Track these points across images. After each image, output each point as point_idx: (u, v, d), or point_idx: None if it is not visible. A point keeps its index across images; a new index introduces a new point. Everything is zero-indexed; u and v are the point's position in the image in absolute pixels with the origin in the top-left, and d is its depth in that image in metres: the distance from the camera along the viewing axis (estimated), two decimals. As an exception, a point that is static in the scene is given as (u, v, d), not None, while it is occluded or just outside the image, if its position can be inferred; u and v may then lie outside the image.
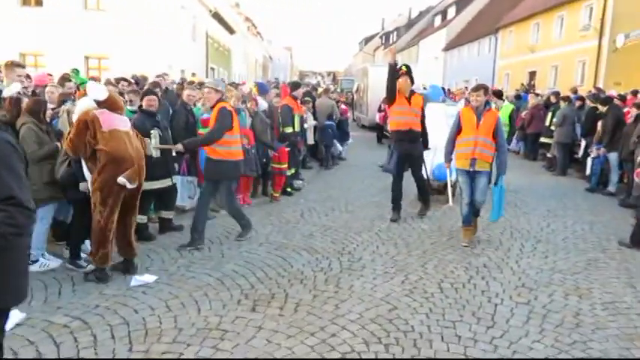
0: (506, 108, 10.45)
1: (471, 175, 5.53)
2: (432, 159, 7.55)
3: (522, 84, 22.30)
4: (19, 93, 4.95)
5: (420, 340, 3.45)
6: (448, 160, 5.82)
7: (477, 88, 5.62)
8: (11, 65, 5.65)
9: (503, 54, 30.17)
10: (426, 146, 6.79)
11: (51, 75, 8.54)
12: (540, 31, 25.67)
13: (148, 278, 4.40)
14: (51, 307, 3.84)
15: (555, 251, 5.50)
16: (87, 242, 5.08)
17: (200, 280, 4.41)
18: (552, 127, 11.31)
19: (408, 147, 6.52)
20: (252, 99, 7.82)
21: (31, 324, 3.53)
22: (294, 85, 9.18)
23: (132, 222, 4.64)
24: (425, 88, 11.12)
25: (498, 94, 11.07)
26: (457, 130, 5.64)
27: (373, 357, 3.22)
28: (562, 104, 11.31)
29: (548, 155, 11.87)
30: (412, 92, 6.57)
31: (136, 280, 4.35)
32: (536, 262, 5.13)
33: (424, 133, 6.68)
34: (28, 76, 6.19)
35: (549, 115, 11.74)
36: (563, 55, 22.92)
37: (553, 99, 12.37)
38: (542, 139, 12.23)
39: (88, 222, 4.90)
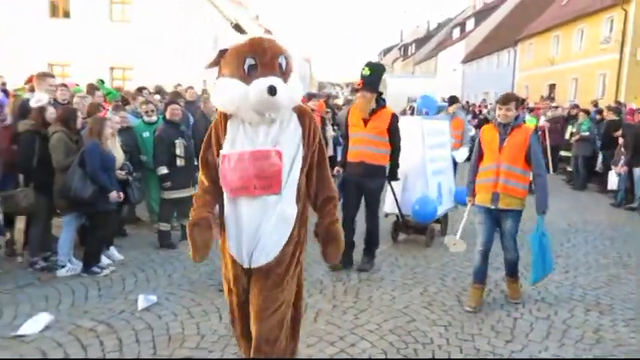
0: (529, 122, 9.43)
1: (495, 216, 4.20)
2: (403, 191, 5.85)
3: (542, 96, 22.14)
4: (49, 103, 5.15)
5: (439, 352, 3.47)
6: (470, 192, 4.40)
7: (506, 100, 4.11)
8: (43, 76, 5.88)
9: (523, 66, 30.01)
10: (392, 177, 5.17)
11: (78, 84, 8.80)
12: (560, 44, 25.49)
13: (152, 298, 4.15)
14: (78, 310, 3.96)
15: (576, 266, 5.46)
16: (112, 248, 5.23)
17: (223, 288, 4.49)
18: (572, 141, 11.23)
19: (360, 180, 4.93)
20: None
21: (60, 327, 3.65)
22: (309, 97, 9.29)
23: None
24: (444, 100, 10.67)
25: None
26: (479, 155, 4.34)
27: (392, 368, 3.25)
28: (581, 117, 11.22)
29: (568, 169, 11.76)
30: (377, 108, 4.84)
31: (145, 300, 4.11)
32: (557, 276, 5.09)
33: (394, 162, 5.02)
34: (64, 85, 6.38)
35: (569, 128, 11.66)
36: (583, 67, 22.72)
37: (573, 112, 12.28)
38: (562, 153, 12.13)
39: (110, 232, 5.03)
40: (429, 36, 57.69)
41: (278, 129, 2.42)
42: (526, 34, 29.17)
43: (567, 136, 11.69)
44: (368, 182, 4.91)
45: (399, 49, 66.92)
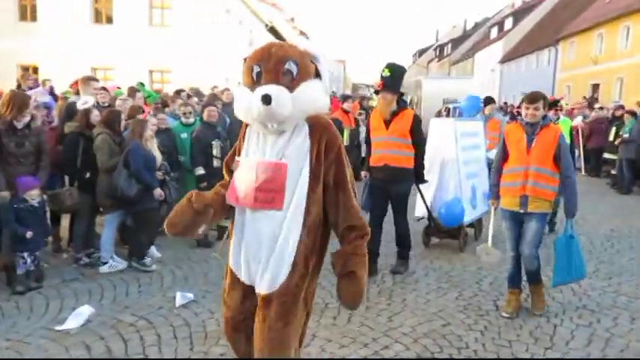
0: (564, 123, 7.47)
1: (520, 219, 4.03)
2: (436, 194, 5.82)
3: (584, 97, 21.41)
4: (93, 105, 5.35)
5: (475, 358, 3.41)
6: (494, 196, 4.27)
7: (533, 99, 3.92)
8: (87, 80, 6.11)
9: (564, 66, 29.09)
10: (419, 180, 5.11)
11: (119, 88, 9.10)
12: (604, 42, 24.59)
13: (189, 296, 4.23)
14: (119, 305, 4.09)
15: (620, 272, 5.25)
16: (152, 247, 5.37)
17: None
18: (617, 143, 10.82)
19: (385, 186, 4.85)
20: None
21: (102, 320, 3.78)
22: (344, 98, 9.29)
23: None
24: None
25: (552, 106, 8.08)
26: (503, 155, 4.15)
27: (426, 371, 3.22)
28: (627, 119, 10.79)
29: (613, 172, 11.33)
30: (399, 110, 4.75)
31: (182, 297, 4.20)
32: (599, 283, 4.92)
33: (419, 164, 4.95)
34: (104, 89, 6.61)
35: (613, 130, 11.24)
36: (629, 66, 21.83)
37: (617, 113, 11.83)
38: (606, 155, 11.70)
39: (155, 229, 5.19)
40: (465, 36, 56.67)
41: (287, 140, 2.27)
42: (568, 33, 28.27)
43: (611, 137, 11.27)
44: (394, 186, 4.81)
45: (435, 49, 66.00)
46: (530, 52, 34.03)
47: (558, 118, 6.58)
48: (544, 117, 3.96)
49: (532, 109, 3.91)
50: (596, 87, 25.00)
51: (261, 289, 2.32)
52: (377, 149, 4.87)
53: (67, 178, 5.32)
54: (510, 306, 4.10)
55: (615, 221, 7.66)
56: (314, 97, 2.26)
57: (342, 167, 2.33)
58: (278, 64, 2.19)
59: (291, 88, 2.19)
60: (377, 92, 4.87)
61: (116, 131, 5.02)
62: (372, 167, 4.91)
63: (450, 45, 57.59)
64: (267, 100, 2.10)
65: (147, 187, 4.82)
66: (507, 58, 38.19)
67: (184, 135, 6.27)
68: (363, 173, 5.10)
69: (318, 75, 2.33)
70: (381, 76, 4.71)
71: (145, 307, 4.07)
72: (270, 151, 2.28)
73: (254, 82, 2.24)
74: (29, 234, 4.27)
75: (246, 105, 2.21)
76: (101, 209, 5.21)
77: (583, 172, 12.53)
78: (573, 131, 10.97)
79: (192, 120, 6.44)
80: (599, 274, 5.22)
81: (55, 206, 4.97)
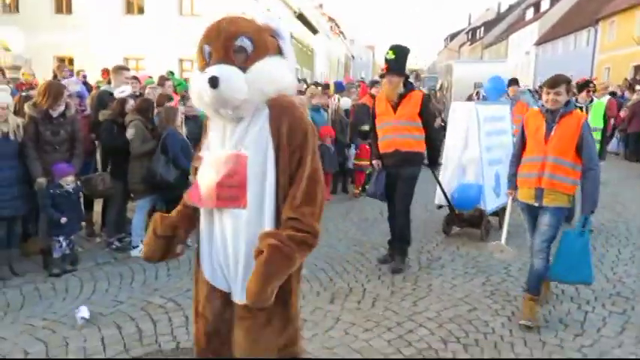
0: (598, 106, 6.27)
1: (535, 213, 3.73)
2: (454, 176, 5.65)
3: (626, 79, 20.53)
4: (130, 95, 5.47)
5: (501, 343, 3.36)
6: (511, 185, 3.98)
7: (555, 83, 3.56)
8: (119, 69, 6.24)
9: (604, 47, 27.92)
10: (433, 164, 4.99)
11: (151, 77, 9.28)
12: (648, 21, 23.45)
13: None
14: (149, 288, 4.21)
15: (658, 260, 5.06)
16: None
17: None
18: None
19: (397, 171, 4.64)
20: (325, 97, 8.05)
21: (132, 303, 3.90)
22: (372, 84, 9.20)
23: None
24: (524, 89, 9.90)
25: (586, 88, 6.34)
26: (522, 144, 3.85)
27: (451, 357, 3.19)
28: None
29: (654, 156, 10.87)
30: (406, 92, 4.57)
31: None
32: (635, 270, 4.75)
33: (431, 147, 4.82)
34: (135, 78, 6.75)
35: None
36: (674, 46, 20.78)
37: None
38: (646, 139, 11.23)
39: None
40: (499, 18, 55.03)
41: (245, 128, 1.96)
42: (608, 12, 27.09)
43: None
44: (401, 170, 4.60)
45: (467, 33, 64.40)
46: (567, 33, 32.81)
47: (592, 101, 6.14)
48: (567, 103, 3.59)
49: (553, 94, 3.54)
50: (637, 68, 23.93)
51: (236, 296, 2.04)
52: (386, 134, 4.65)
53: (100, 164, 5.48)
54: (530, 311, 3.62)
55: (655, 207, 7.36)
56: (274, 76, 1.96)
57: (305, 156, 1.94)
58: (228, 41, 1.89)
59: (244, 67, 1.90)
60: (382, 76, 4.63)
61: (148, 118, 5.13)
62: (383, 154, 4.71)
63: (482, 28, 56.12)
64: (214, 82, 1.83)
65: (184, 172, 4.92)
66: (543, 40, 36.92)
67: (211, 122, 6.34)
68: (374, 162, 4.89)
69: (281, 53, 2.04)
70: (386, 59, 4.55)
71: (174, 289, 4.17)
72: (229, 141, 1.99)
73: (206, 64, 1.94)
74: (64, 219, 4.43)
75: (197, 90, 1.94)
76: (132, 195, 5.35)
77: (623, 157, 12.13)
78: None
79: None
80: (635, 260, 5.04)
81: (88, 191, 5.13)
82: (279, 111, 1.95)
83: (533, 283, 3.66)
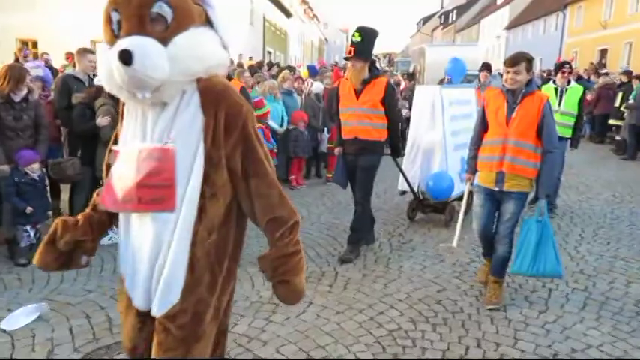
0: (575, 90, 6.02)
1: (497, 198, 3.61)
2: (422, 166, 5.57)
3: (591, 63, 21.03)
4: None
5: (469, 322, 3.45)
6: (470, 169, 3.84)
7: (515, 61, 3.41)
8: (83, 52, 6.03)
9: (572, 31, 28.47)
10: (395, 153, 4.80)
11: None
12: (613, 6, 23.97)
13: None
14: (119, 276, 4.15)
15: (619, 238, 5.26)
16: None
17: (254, 257, 4.56)
18: (623, 109, 10.67)
19: (354, 159, 4.51)
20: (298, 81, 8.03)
21: (102, 291, 3.85)
22: (344, 68, 9.19)
23: None
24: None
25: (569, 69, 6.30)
26: (482, 126, 3.71)
27: (420, 336, 3.27)
28: (635, 84, 10.61)
29: (617, 138, 11.22)
30: (371, 78, 4.35)
31: None
32: (597, 248, 4.93)
33: (394, 136, 4.60)
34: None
35: (619, 95, 11.07)
36: (638, 31, 21.32)
37: (624, 78, 11.63)
38: (612, 121, 11.57)
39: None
40: (471, 2, 55.39)
41: (172, 116, 1.64)
42: (576, -3, 27.57)
43: (617, 103, 11.12)
44: (360, 159, 4.44)
45: (439, 16, 64.70)
46: (537, 17, 33.29)
47: (569, 82, 6.06)
48: (528, 83, 3.45)
49: (512, 72, 3.39)
50: (604, 52, 24.52)
51: (156, 311, 1.75)
52: (347, 121, 4.48)
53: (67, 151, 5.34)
54: (483, 273, 3.94)
55: (617, 187, 7.62)
56: (202, 51, 1.62)
57: (252, 146, 1.70)
58: (143, 8, 1.55)
59: (164, 39, 1.56)
60: (347, 59, 4.41)
61: (119, 102, 4.99)
62: (345, 141, 4.54)
63: (455, 12, 56.45)
64: (125, 58, 1.49)
65: None
66: (514, 25, 37.40)
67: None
68: (336, 150, 4.75)
69: (210, 24, 1.72)
70: (352, 42, 4.28)
71: (145, 277, 4.12)
72: (152, 132, 1.66)
73: (115, 36, 1.59)
74: (29, 209, 4.31)
75: (106, 69, 1.60)
76: (101, 182, 5.23)
77: (588, 139, 12.50)
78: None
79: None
80: (597, 239, 5.22)
81: (57, 175, 4.99)
82: (213, 95, 1.65)
83: (498, 267, 3.69)
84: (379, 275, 4.21)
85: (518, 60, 3.40)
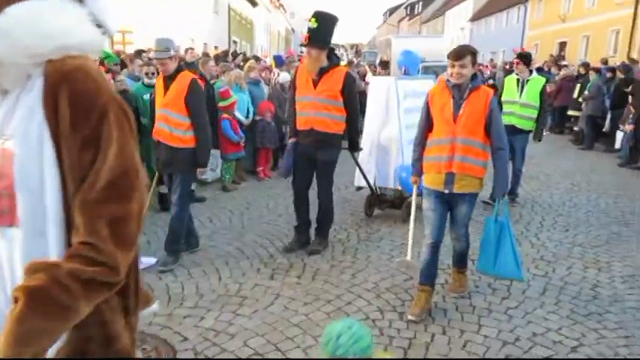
0: (536, 81, 6.05)
1: (447, 199, 3.38)
2: (378, 159, 5.43)
3: (551, 55, 21.64)
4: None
5: (435, 310, 3.51)
6: (416, 171, 3.59)
7: (459, 55, 3.20)
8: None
9: (533, 24, 29.18)
10: (353, 148, 4.65)
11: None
12: (572, 0, 24.69)
13: (150, 260, 4.19)
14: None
15: (576, 225, 5.45)
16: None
17: (221, 250, 4.55)
18: (580, 100, 11.04)
19: (311, 152, 4.33)
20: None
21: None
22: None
23: None
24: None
25: (526, 60, 6.17)
26: (426, 124, 3.45)
27: (387, 325, 3.30)
28: (592, 76, 10.98)
29: (575, 129, 11.62)
30: (329, 67, 4.15)
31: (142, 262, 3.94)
32: (556, 235, 5.10)
33: (352, 130, 4.43)
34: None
35: (577, 87, 11.43)
36: (595, 24, 22.05)
37: (582, 70, 12.01)
38: (570, 112, 11.95)
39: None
40: (436, -6, 56.07)
41: (11, 109, 1.24)
42: (537, -10, 28.24)
43: (575, 95, 11.48)
44: (319, 153, 4.27)
45: (406, 7, 65.19)
46: (500, 10, 33.95)
47: (531, 72, 6.15)
48: (473, 77, 3.28)
49: (458, 66, 3.18)
50: (563, 45, 25.25)
51: None
52: (303, 111, 4.26)
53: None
54: (418, 306, 3.38)
55: (575, 176, 7.89)
56: (50, 26, 1.20)
57: (104, 146, 1.20)
58: None
59: None
60: (303, 45, 4.18)
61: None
62: (300, 131, 4.33)
63: (421, 3, 56.97)
64: None
65: None
66: (477, 16, 38.06)
67: (147, 96, 6.05)
68: (289, 141, 4.55)
69: None
70: (308, 28, 4.06)
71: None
72: None
73: None
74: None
75: None
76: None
77: (547, 130, 12.88)
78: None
79: (154, 81, 6.21)
80: (556, 226, 5.40)
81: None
82: (57, 80, 1.21)
83: (459, 261, 3.74)
84: (347, 266, 4.22)
85: (464, 53, 3.21)
